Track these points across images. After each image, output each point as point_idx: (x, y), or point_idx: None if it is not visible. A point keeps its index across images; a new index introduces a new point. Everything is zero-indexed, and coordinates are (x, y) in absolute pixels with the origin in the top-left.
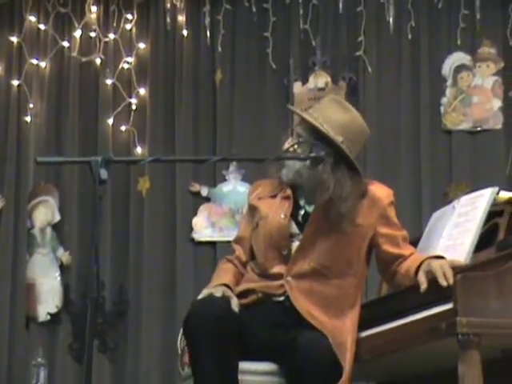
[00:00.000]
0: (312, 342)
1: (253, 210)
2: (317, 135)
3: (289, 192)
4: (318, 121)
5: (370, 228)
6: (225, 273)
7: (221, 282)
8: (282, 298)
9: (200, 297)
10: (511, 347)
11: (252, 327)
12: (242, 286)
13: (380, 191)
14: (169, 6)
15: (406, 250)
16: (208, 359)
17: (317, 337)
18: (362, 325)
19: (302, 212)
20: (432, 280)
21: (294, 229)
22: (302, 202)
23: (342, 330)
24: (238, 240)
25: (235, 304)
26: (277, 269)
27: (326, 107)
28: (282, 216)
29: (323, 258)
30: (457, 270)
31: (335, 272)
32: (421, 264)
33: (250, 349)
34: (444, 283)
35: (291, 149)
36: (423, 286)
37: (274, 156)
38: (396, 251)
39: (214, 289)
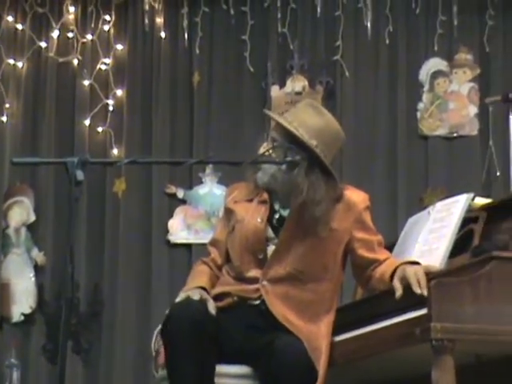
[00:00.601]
0: (287, 346)
1: (229, 213)
2: (291, 139)
3: (265, 196)
4: (293, 125)
5: (346, 233)
6: (200, 275)
7: (197, 285)
8: (257, 302)
9: (177, 300)
10: (485, 353)
11: (228, 330)
12: (218, 289)
13: (355, 196)
14: (147, 7)
15: (381, 254)
16: (185, 361)
17: (292, 341)
18: (337, 329)
19: (277, 216)
20: (407, 286)
21: (270, 233)
22: (276, 206)
23: (318, 335)
24: (213, 242)
25: (212, 307)
26: (252, 273)
27: (301, 111)
28: (259, 220)
29: (298, 263)
30: (431, 275)
31: (311, 277)
32: (396, 269)
33: (225, 351)
34: (418, 291)
35: (266, 153)
36: (398, 292)
37: (250, 159)
38: (371, 256)
39: (191, 292)
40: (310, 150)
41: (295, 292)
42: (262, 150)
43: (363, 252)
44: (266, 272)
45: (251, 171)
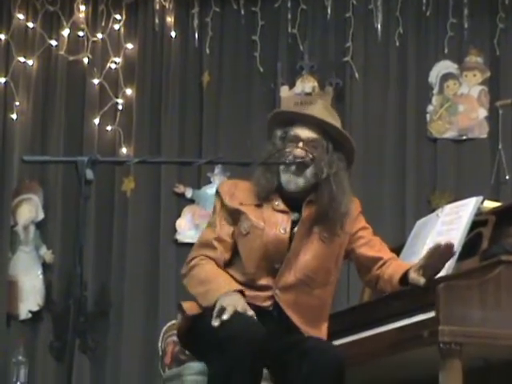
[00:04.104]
0: (322, 345)
1: (234, 213)
2: (329, 138)
3: (282, 206)
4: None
5: (346, 235)
6: (225, 275)
7: (235, 288)
8: (270, 308)
9: (230, 311)
10: (493, 356)
11: None
12: None
13: None
14: (157, 7)
15: (386, 253)
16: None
17: (324, 341)
18: (344, 331)
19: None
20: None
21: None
22: None
23: None
24: (217, 239)
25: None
26: (264, 280)
27: (320, 112)
28: (282, 231)
29: (308, 269)
30: (439, 278)
31: (318, 282)
32: (406, 273)
33: None
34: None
35: (304, 153)
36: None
37: (260, 160)
38: (375, 254)
39: (241, 304)
40: (350, 146)
41: (303, 299)
42: (298, 152)
43: (366, 250)
44: (277, 280)
45: (266, 172)
